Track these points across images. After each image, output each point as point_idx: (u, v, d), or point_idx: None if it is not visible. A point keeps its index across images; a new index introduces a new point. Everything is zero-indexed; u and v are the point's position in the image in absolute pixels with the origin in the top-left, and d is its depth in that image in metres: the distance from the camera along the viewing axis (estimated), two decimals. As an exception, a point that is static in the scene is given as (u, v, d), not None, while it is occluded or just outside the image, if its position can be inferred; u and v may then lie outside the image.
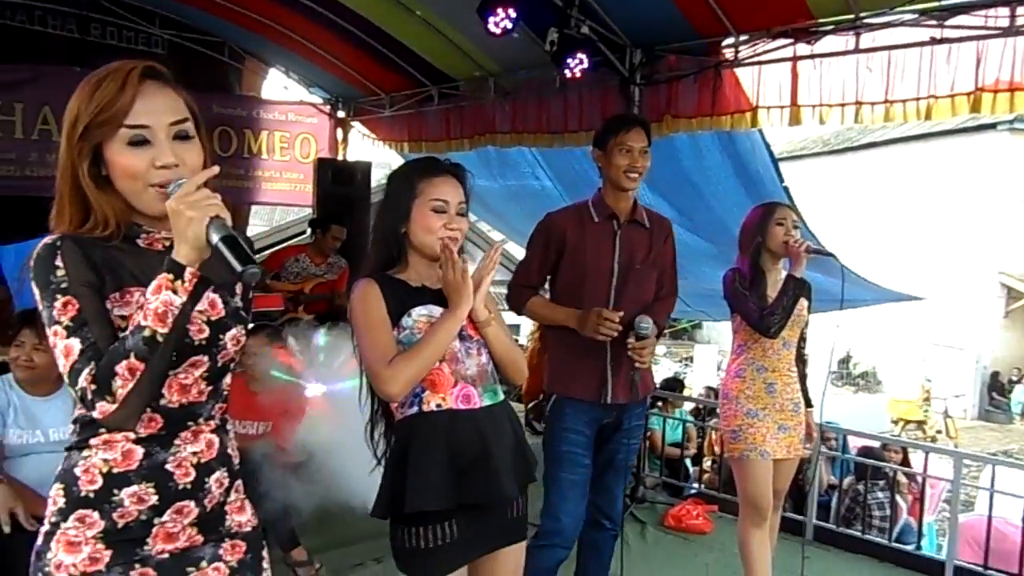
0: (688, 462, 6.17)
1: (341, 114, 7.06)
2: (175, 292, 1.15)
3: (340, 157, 7.07)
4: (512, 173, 6.24)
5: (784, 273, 2.92)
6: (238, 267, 1.13)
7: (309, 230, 5.62)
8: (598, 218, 2.62)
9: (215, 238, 1.14)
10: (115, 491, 1.24)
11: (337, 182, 6.63)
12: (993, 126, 15.53)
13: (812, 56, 3.68)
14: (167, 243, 1.24)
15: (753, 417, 2.87)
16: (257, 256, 1.38)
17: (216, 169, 1.21)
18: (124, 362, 1.12)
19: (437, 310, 1.80)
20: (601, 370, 2.60)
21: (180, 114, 1.24)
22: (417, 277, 1.86)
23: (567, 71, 4.12)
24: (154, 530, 1.27)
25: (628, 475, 2.72)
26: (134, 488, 1.25)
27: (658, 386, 7.34)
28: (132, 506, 1.25)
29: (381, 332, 1.75)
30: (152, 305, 1.14)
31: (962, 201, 15.73)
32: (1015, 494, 4.19)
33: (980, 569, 3.77)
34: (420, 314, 1.79)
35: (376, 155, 7.58)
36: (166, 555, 1.29)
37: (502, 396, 1.88)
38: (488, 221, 8.73)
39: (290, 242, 9.66)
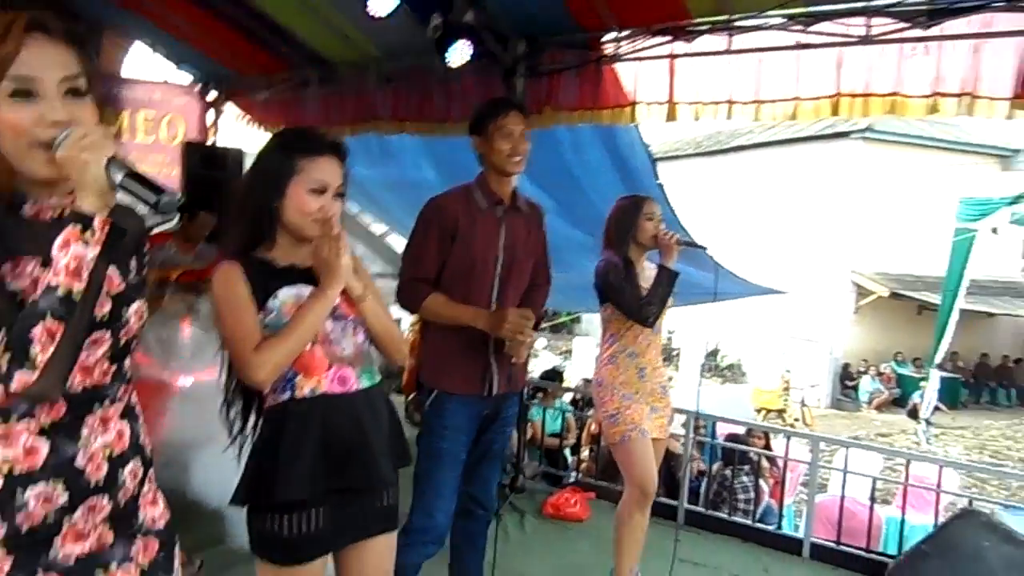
0: (567, 452, 6.28)
1: (213, 95, 6.71)
2: (86, 244, 1.06)
3: (211, 141, 6.71)
4: (394, 162, 6.11)
5: (647, 265, 3.04)
6: (152, 197, 1.06)
7: (176, 217, 5.31)
8: (485, 204, 2.55)
9: (118, 177, 1.08)
10: (18, 492, 1.13)
11: (207, 167, 6.29)
12: (847, 134, 16.72)
13: (689, 55, 3.79)
14: (59, 213, 1.16)
15: (629, 400, 2.97)
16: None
17: (113, 128, 1.10)
18: (40, 324, 1.03)
19: (306, 290, 1.71)
20: (485, 363, 2.54)
21: (71, 69, 1.14)
22: (284, 256, 1.76)
23: (449, 59, 4.07)
24: (63, 530, 1.17)
25: (502, 461, 2.70)
26: (41, 487, 1.14)
27: (538, 377, 7.50)
28: (39, 508, 1.14)
29: (245, 316, 1.65)
30: (63, 261, 1.05)
31: (819, 204, 16.82)
32: (865, 474, 4.51)
33: (833, 545, 4.03)
34: (288, 295, 1.70)
35: (251, 139, 7.26)
36: (72, 561, 1.18)
37: (379, 378, 1.82)
38: (369, 211, 8.54)
39: (156, 230, 9.12)
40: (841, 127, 16.97)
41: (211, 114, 6.75)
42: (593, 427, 5.91)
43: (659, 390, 3.04)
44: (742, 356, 19.11)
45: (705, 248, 3.16)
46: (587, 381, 7.82)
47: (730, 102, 3.66)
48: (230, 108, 6.69)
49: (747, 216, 17.93)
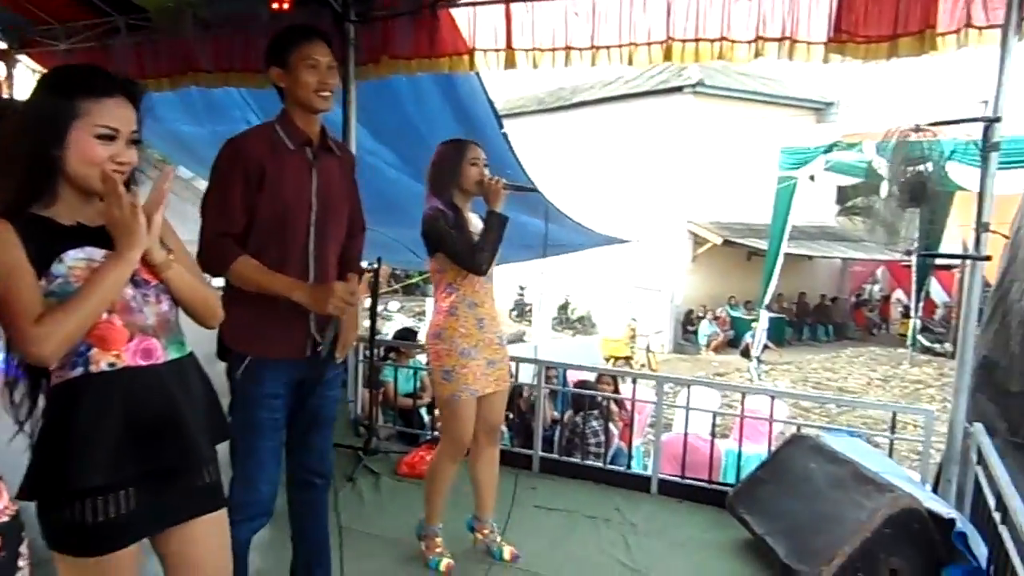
0: (423, 411, 6.22)
1: (2, 46, 5.97)
2: None
3: (5, 95, 5.98)
4: (220, 117, 5.71)
5: (471, 217, 2.99)
6: None
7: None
8: (292, 145, 2.32)
9: None
10: None
11: None
12: (680, 89, 17.44)
13: None
14: None
15: (467, 357, 2.93)
16: None
17: None
18: None
19: (99, 253, 1.51)
20: (305, 324, 2.36)
21: None
22: (69, 213, 1.54)
23: (275, 2, 3.80)
24: None
25: (332, 425, 2.57)
26: None
27: (391, 337, 7.37)
28: None
29: (21, 283, 1.43)
30: None
31: (656, 157, 17.51)
32: (705, 409, 4.75)
33: (678, 479, 4.23)
34: (76, 259, 1.49)
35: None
36: None
37: (189, 348, 1.66)
38: (197, 172, 7.99)
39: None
40: (674, 82, 17.70)
41: (3, 66, 6.01)
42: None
43: (496, 340, 3.03)
44: (591, 308, 19.76)
45: (535, 190, 3.15)
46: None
47: (567, 48, 3.66)
48: (25, 60, 5.99)
49: (589, 170, 18.41)
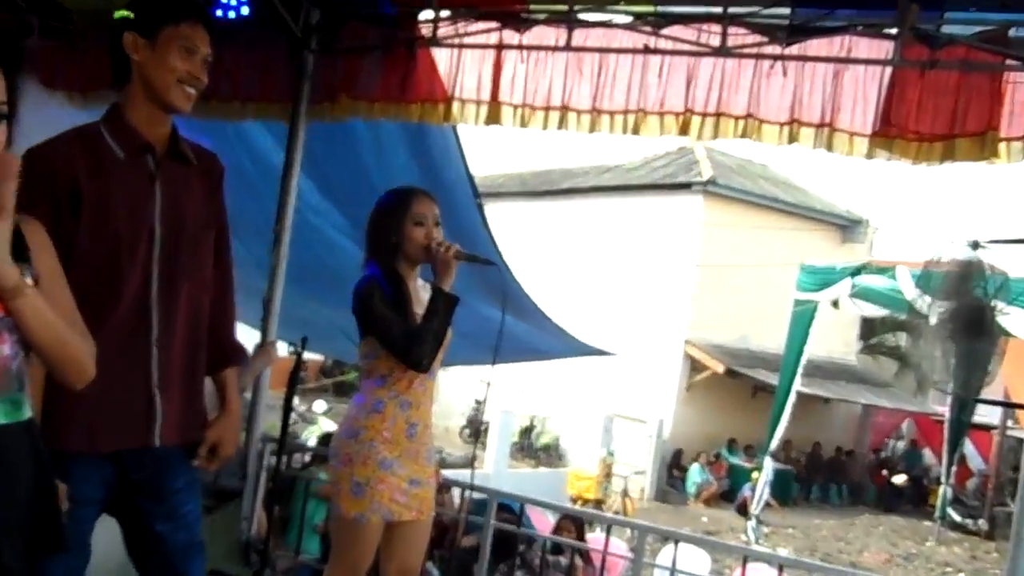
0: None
1: None
2: None
3: None
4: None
5: (420, 284, 2.89)
6: None
7: None
8: (123, 152, 2.12)
9: None
10: None
11: None
12: (688, 186, 17.89)
13: (520, 47, 3.77)
14: None
15: (386, 469, 2.75)
16: None
17: None
18: None
19: None
20: (145, 397, 2.13)
21: None
22: None
23: (220, 11, 3.80)
24: None
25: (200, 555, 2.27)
26: None
27: (318, 442, 7.09)
28: None
29: None
30: None
31: (654, 262, 17.74)
32: (695, 573, 4.57)
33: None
34: None
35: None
36: None
37: (28, 412, 1.51)
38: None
39: None
40: (682, 177, 18.17)
41: None
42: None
43: (424, 455, 2.87)
44: (561, 435, 19.52)
45: (493, 264, 3.05)
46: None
47: (564, 108, 3.67)
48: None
49: (574, 269, 18.56)
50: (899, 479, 19.29)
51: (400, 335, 2.72)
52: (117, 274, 2.09)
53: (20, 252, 1.53)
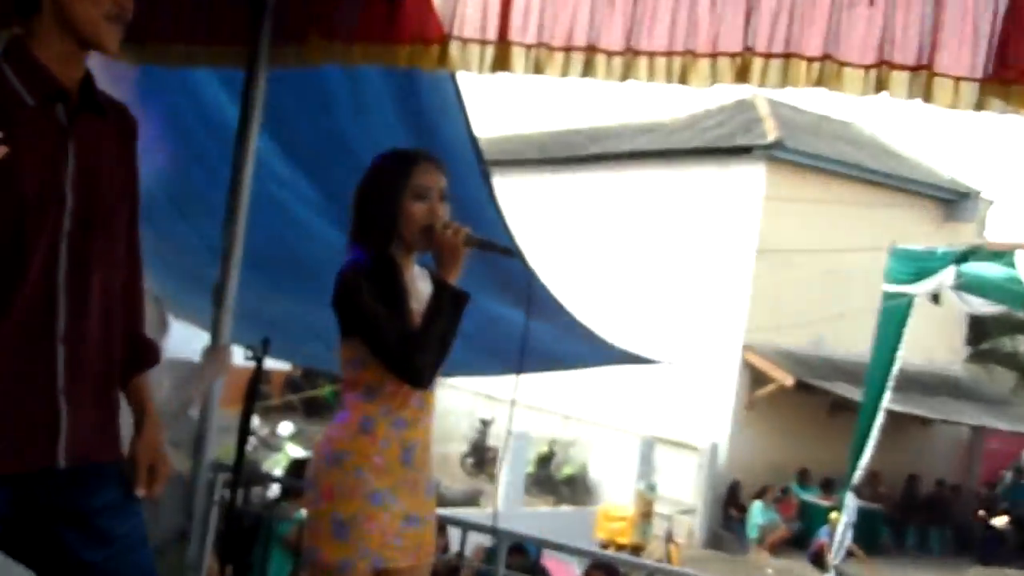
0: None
1: None
2: None
3: None
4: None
5: (417, 273, 2.92)
6: None
7: None
8: (31, 97, 2.12)
9: None
10: None
11: None
12: (748, 150, 17.83)
13: (534, -29, 3.76)
14: None
15: (377, 504, 2.77)
16: None
17: None
18: None
19: None
20: (47, 406, 2.13)
21: None
22: None
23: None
24: None
25: None
26: None
27: (284, 472, 7.11)
28: None
29: None
30: None
31: (704, 247, 17.71)
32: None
33: None
34: None
35: None
36: None
37: None
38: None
39: None
40: (740, 138, 18.11)
41: None
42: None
43: (423, 485, 2.90)
44: (587, 464, 19.53)
45: (510, 253, 3.06)
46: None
47: (591, 48, 3.62)
48: None
49: (606, 256, 18.55)
50: (999, 521, 19.20)
51: (396, 339, 2.73)
52: (18, 249, 2.07)
53: None
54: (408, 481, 2.83)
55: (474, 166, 4.93)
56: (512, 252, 3.01)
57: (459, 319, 2.80)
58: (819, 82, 3.40)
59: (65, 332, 2.14)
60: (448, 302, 2.78)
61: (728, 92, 19.48)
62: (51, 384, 2.13)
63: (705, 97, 20.78)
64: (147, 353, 2.45)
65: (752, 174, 17.96)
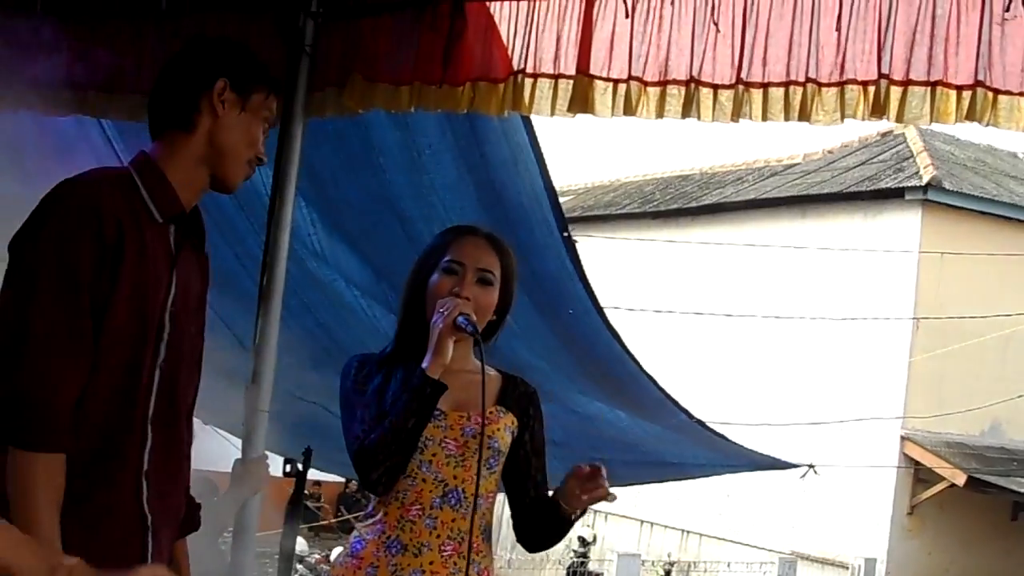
0: None
1: None
2: None
3: None
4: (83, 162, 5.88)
5: (474, 367, 3.03)
6: None
7: None
8: (161, 216, 2.50)
9: None
10: None
11: None
12: (899, 194, 17.59)
13: (621, -8, 3.78)
14: None
15: None
16: None
17: None
18: None
19: None
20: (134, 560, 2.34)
21: None
22: None
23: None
24: None
25: None
26: None
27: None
28: None
29: None
30: None
31: (847, 315, 17.44)
32: None
33: None
34: None
35: None
36: None
37: None
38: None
39: None
40: (887, 180, 17.89)
41: None
42: None
43: None
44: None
45: (481, 342, 3.05)
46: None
47: (693, 82, 3.63)
48: None
49: (724, 330, 18.40)
50: None
51: (356, 432, 2.92)
52: (135, 372, 2.39)
53: None
54: None
55: (553, 230, 4.92)
56: (479, 340, 3.01)
57: (425, 412, 2.89)
58: (970, 115, 3.33)
59: (150, 498, 2.44)
60: (416, 387, 2.89)
61: (870, 125, 19.35)
62: (140, 530, 2.42)
63: (842, 130, 20.62)
64: (193, 515, 2.75)
65: (905, 223, 17.69)
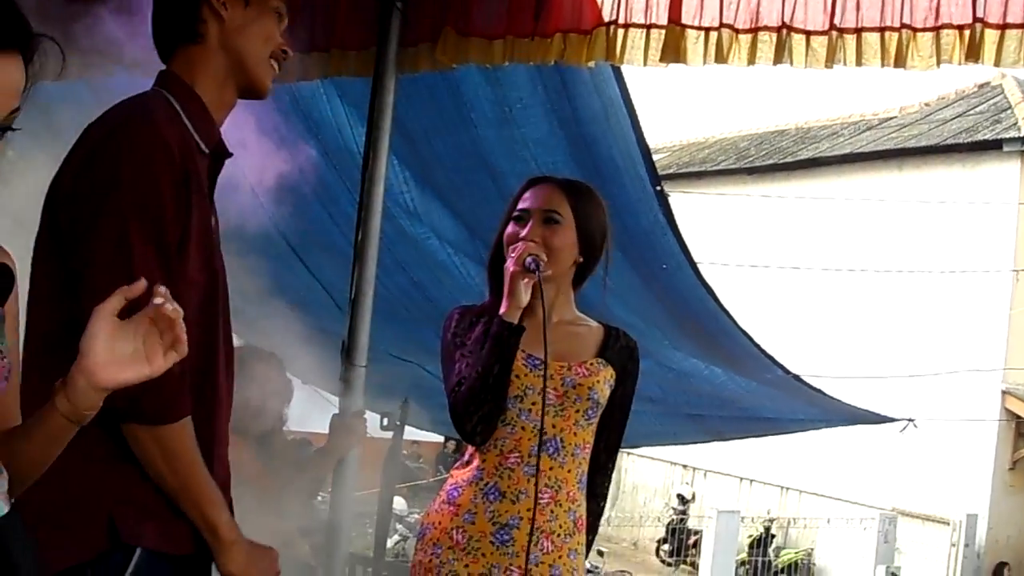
0: None
1: None
2: None
3: None
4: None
5: (576, 316, 3.12)
6: None
7: None
8: (207, 146, 2.41)
9: None
10: None
11: None
12: (999, 144, 17.25)
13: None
14: None
15: None
16: None
17: None
18: None
19: None
20: None
21: None
22: None
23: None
24: None
25: None
26: None
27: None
28: None
29: None
30: None
31: (944, 267, 17.16)
32: None
33: None
34: None
35: None
36: None
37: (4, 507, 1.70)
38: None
39: None
40: (986, 132, 17.55)
41: None
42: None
43: None
44: (814, 545, 19.15)
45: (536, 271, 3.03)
46: None
47: (784, 27, 3.59)
48: None
49: (821, 283, 18.21)
50: None
51: (449, 391, 2.95)
52: (214, 315, 2.37)
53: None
54: (503, 569, 2.88)
55: (646, 185, 4.88)
56: (536, 270, 2.99)
57: (508, 357, 2.91)
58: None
59: (225, 411, 2.46)
60: (496, 335, 2.91)
61: (967, 75, 18.98)
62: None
63: (938, 82, 20.24)
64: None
65: (1004, 174, 17.40)
